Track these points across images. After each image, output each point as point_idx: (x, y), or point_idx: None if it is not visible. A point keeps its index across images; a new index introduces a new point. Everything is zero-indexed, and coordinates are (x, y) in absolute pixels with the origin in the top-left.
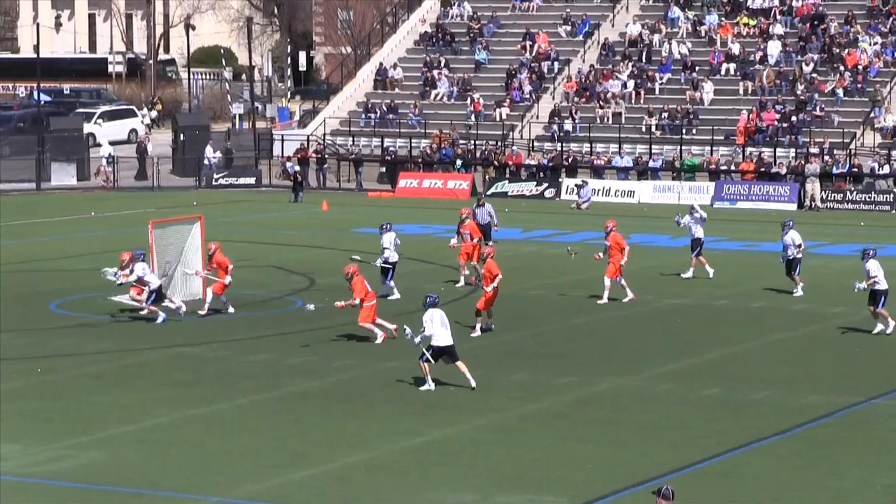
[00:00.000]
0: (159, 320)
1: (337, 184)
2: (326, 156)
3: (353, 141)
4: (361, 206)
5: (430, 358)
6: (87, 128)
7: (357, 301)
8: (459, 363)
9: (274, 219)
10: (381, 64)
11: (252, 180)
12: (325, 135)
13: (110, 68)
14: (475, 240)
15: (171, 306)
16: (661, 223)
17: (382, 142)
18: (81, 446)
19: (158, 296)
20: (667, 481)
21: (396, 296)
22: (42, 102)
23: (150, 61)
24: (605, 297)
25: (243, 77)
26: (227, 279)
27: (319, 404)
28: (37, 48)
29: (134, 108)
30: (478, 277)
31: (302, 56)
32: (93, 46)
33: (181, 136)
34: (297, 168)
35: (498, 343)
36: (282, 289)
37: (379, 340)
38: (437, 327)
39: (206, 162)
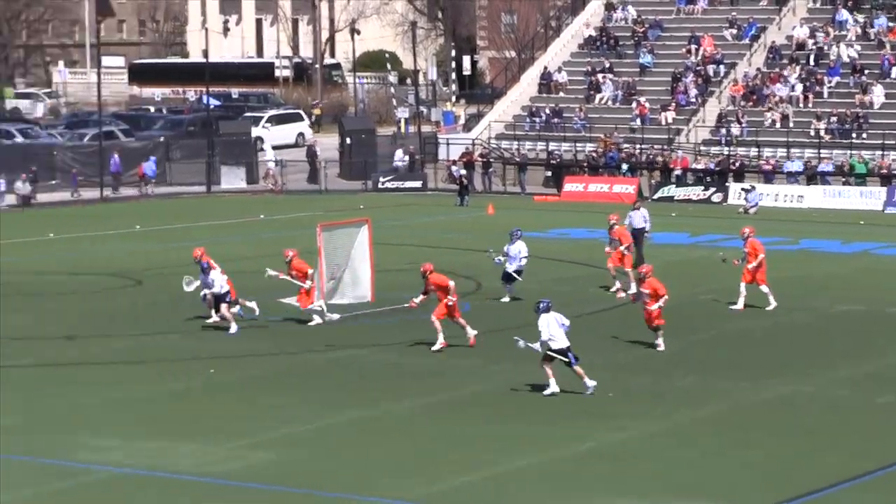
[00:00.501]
0: (233, 330)
1: (502, 187)
2: (492, 160)
3: (518, 145)
4: (527, 210)
5: (570, 359)
6: (255, 131)
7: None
8: (576, 367)
9: (440, 222)
10: (545, 68)
11: (418, 184)
12: (489, 139)
13: (277, 72)
14: (623, 246)
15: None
16: (832, 228)
17: (547, 146)
18: (251, 447)
19: (218, 303)
20: (842, 490)
21: (506, 299)
22: (211, 107)
23: (316, 65)
24: (739, 303)
25: (408, 81)
26: (307, 284)
27: (486, 407)
28: (206, 53)
29: (301, 111)
30: (637, 295)
31: (466, 60)
32: (260, 51)
33: (347, 139)
34: (463, 172)
35: (667, 348)
36: None
37: (437, 347)
38: (553, 330)
39: (394, 165)
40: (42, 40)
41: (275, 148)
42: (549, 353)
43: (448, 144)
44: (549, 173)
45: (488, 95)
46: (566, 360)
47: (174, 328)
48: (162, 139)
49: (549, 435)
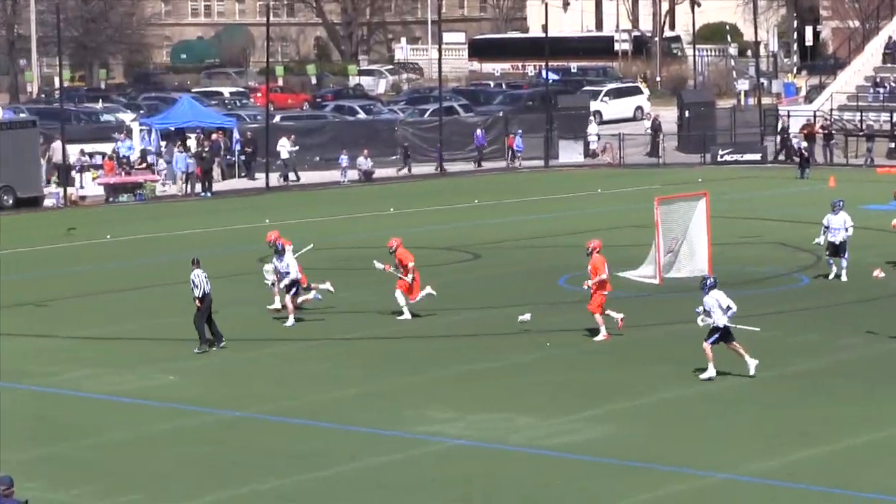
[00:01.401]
0: (289, 323)
1: (844, 160)
2: (833, 131)
3: (862, 116)
4: (870, 182)
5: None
6: (594, 105)
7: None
8: (735, 343)
9: (779, 195)
10: (890, 37)
11: (757, 157)
12: (831, 110)
13: (616, 46)
14: None
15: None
16: None
17: (892, 116)
18: (588, 420)
19: (297, 291)
20: None
21: (834, 275)
22: (550, 81)
23: (656, 38)
24: None
25: (748, 53)
26: (409, 277)
27: (822, 383)
28: (545, 28)
29: (640, 85)
30: None
31: (808, 30)
32: (599, 25)
33: (686, 112)
34: (804, 144)
35: None
36: (788, 266)
37: (600, 337)
38: (715, 309)
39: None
40: (385, 18)
41: (612, 122)
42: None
43: (789, 117)
44: (893, 145)
45: (830, 66)
46: (713, 338)
47: (511, 301)
48: (501, 114)
49: (885, 412)
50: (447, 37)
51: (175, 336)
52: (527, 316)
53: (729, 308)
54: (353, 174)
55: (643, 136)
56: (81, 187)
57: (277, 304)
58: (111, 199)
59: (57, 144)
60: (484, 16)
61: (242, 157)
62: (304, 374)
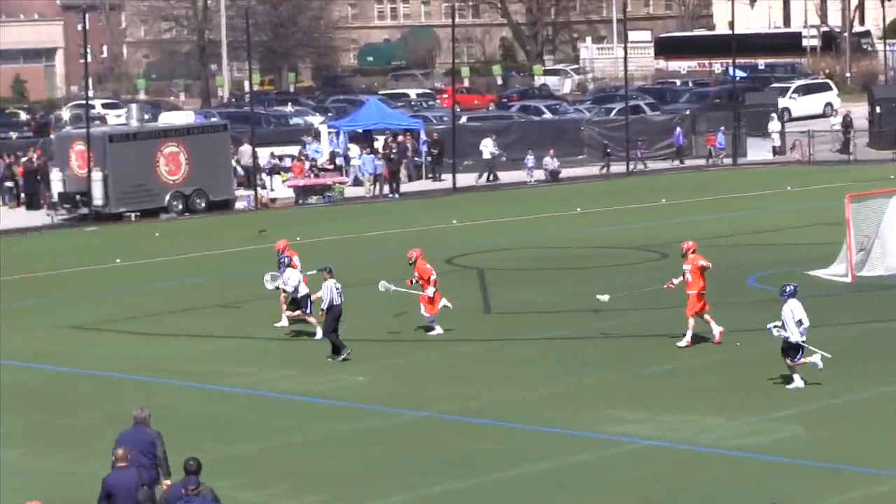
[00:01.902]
0: (319, 335)
1: None
2: None
3: None
4: None
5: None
6: (782, 102)
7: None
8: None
9: None
10: None
11: None
12: None
13: (804, 42)
14: None
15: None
16: None
17: None
18: (776, 420)
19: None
20: None
21: None
22: (737, 78)
23: (845, 34)
24: None
25: None
26: (430, 290)
27: None
28: (731, 24)
29: (829, 81)
30: None
31: None
32: (787, 21)
33: (877, 108)
34: None
35: None
36: None
37: (717, 337)
38: (789, 321)
39: None
40: (570, 17)
41: (801, 119)
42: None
43: None
44: None
45: None
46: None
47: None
48: (688, 112)
49: None
50: (633, 35)
51: (363, 337)
52: (605, 297)
53: (800, 322)
54: (539, 174)
55: (833, 133)
56: (272, 190)
57: (284, 322)
58: (300, 202)
59: (245, 148)
60: (670, 13)
61: (429, 159)
62: (491, 374)
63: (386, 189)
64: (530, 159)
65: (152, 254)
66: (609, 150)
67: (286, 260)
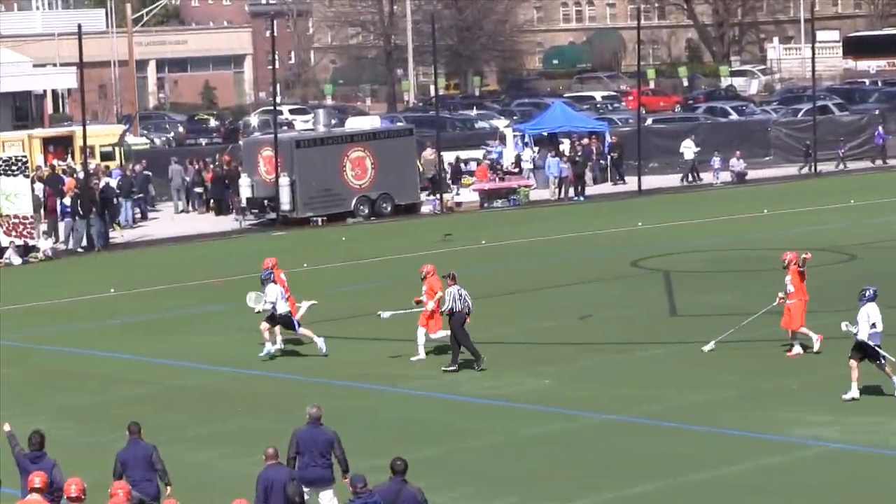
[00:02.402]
0: (321, 345)
1: None
2: None
3: None
4: None
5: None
6: None
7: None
8: (881, 363)
9: None
10: None
11: None
12: None
13: None
14: None
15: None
16: None
17: None
18: None
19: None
20: None
21: None
22: None
23: None
24: None
25: None
26: (430, 305)
27: None
28: None
29: None
30: None
31: None
32: None
33: None
34: None
35: None
36: None
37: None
38: (863, 324)
39: None
40: (757, 17)
41: None
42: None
43: None
44: None
45: None
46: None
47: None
48: (877, 112)
49: None
50: (821, 35)
51: (548, 340)
52: (386, 313)
53: (874, 325)
54: (725, 175)
55: None
56: (457, 194)
57: (279, 345)
58: (485, 205)
59: (429, 152)
60: (858, 12)
61: (608, 161)
62: (675, 377)
63: (571, 192)
64: (716, 161)
65: (339, 258)
66: (809, 151)
67: (271, 276)
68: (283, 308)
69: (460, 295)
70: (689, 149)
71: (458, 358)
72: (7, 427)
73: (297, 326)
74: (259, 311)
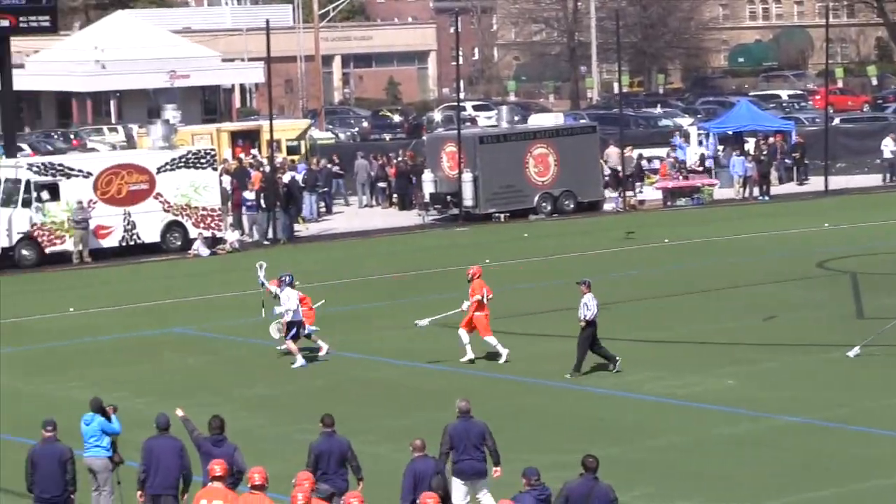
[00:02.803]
0: (297, 363)
1: None
2: None
3: None
4: None
5: None
6: None
7: None
8: None
9: None
10: None
11: None
12: None
13: None
14: None
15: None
16: None
17: None
18: None
19: (297, 333)
20: None
21: None
22: None
23: None
24: None
25: None
26: (465, 305)
27: None
28: None
29: None
30: None
31: None
32: None
33: None
34: None
35: None
36: None
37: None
38: None
39: None
40: None
41: None
42: None
43: None
44: None
45: None
46: None
47: None
48: None
49: None
50: None
51: (731, 340)
52: (424, 322)
53: None
54: None
55: None
56: (640, 192)
57: (301, 360)
58: (669, 204)
59: (612, 149)
60: None
61: (791, 161)
62: (861, 380)
63: (756, 191)
64: None
65: (521, 254)
66: None
67: (288, 279)
68: (297, 316)
69: (595, 303)
70: (887, 147)
71: (580, 364)
72: (180, 412)
73: (297, 335)
74: (278, 338)
